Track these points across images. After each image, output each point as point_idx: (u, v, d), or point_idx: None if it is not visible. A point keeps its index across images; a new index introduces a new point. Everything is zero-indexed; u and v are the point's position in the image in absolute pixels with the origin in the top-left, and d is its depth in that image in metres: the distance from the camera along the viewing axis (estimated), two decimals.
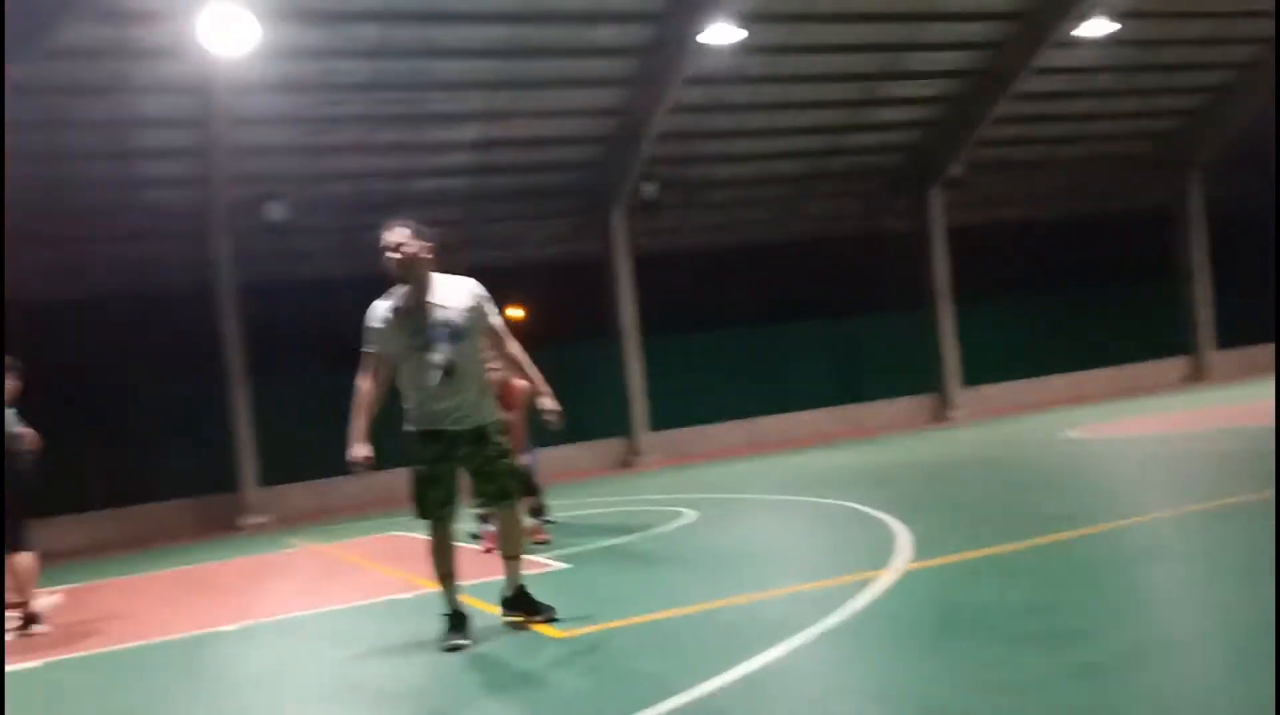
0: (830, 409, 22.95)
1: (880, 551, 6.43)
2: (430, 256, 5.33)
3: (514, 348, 5.54)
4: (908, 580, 5.55)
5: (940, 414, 23.31)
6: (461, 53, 17.42)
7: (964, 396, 23.44)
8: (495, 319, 5.45)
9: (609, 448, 21.19)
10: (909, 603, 5.08)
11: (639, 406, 21.13)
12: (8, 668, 6.10)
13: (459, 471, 5.41)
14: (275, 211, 18.15)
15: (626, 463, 20.81)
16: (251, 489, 18.34)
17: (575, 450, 21.14)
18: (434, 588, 5.38)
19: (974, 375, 23.62)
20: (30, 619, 7.28)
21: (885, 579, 5.56)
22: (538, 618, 5.46)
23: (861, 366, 23.70)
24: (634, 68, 18.82)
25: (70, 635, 7.06)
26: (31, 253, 17.42)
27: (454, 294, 5.34)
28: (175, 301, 18.19)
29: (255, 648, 6.01)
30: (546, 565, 7.67)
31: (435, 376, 5.23)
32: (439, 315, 5.27)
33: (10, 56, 14.25)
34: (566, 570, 7.41)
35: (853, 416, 22.99)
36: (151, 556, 9.38)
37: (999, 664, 3.81)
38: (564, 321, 20.72)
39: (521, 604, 5.54)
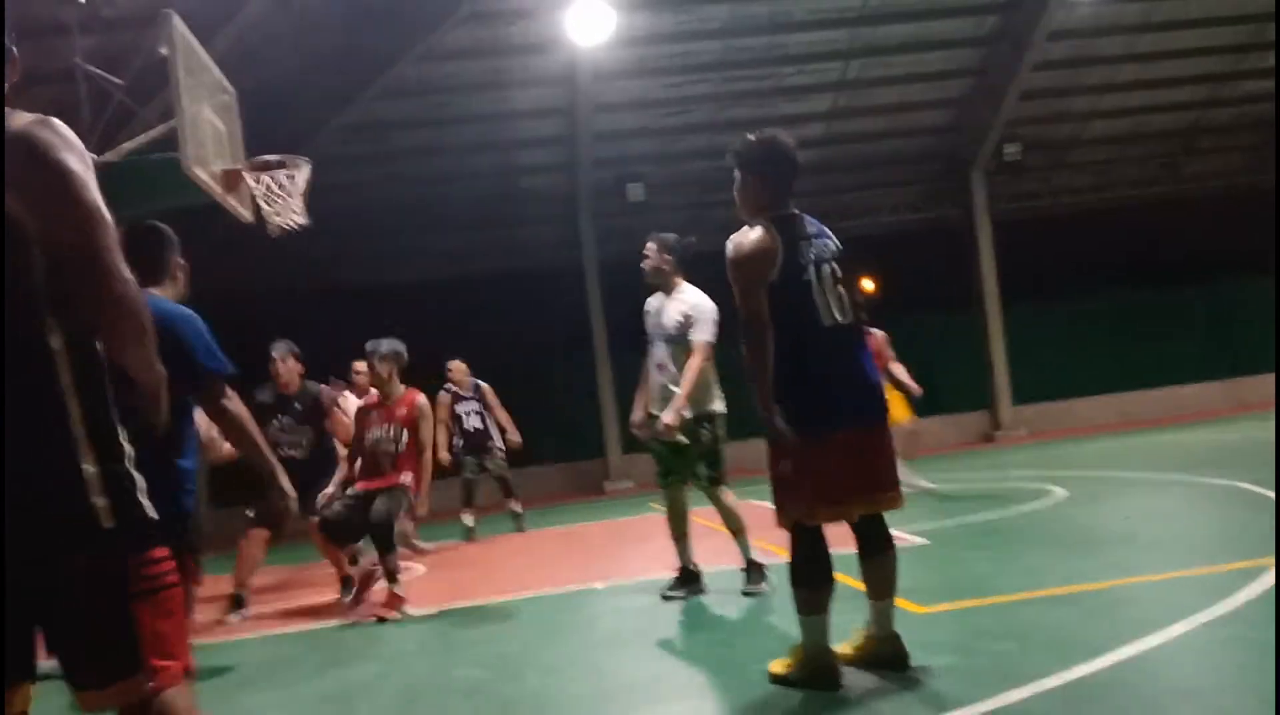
0: (1213, 383, 20.91)
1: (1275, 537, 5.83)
2: (669, 268, 6.12)
3: (693, 364, 5.93)
4: None
5: None
6: (812, 24, 17.32)
7: None
8: (698, 336, 5.98)
9: (970, 421, 20.49)
10: None
11: (1001, 379, 20.27)
12: (410, 610, 6.86)
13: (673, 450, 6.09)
14: (633, 192, 19.08)
15: (988, 437, 20.04)
16: (615, 456, 19.39)
17: (935, 423, 20.55)
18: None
19: None
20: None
21: None
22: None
23: (1247, 337, 21.38)
24: (992, 26, 17.95)
25: (462, 586, 7.80)
26: (425, 239, 19.28)
27: (681, 304, 6.07)
28: (549, 280, 19.46)
29: (621, 605, 6.36)
30: (906, 540, 7.57)
31: (653, 367, 6.17)
32: (662, 318, 6.12)
33: (398, 60, 15.83)
34: (926, 546, 7.28)
35: (1237, 391, 20.82)
36: (534, 516, 10.17)
37: None
38: (921, 290, 20.21)
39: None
